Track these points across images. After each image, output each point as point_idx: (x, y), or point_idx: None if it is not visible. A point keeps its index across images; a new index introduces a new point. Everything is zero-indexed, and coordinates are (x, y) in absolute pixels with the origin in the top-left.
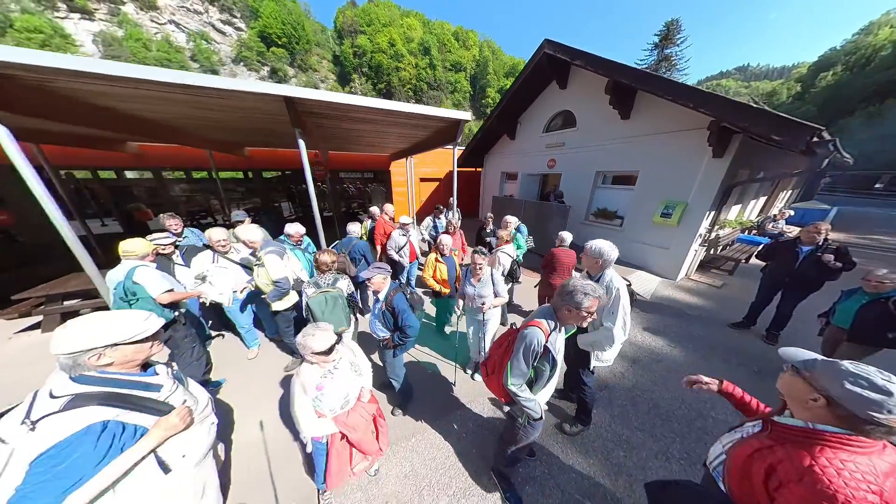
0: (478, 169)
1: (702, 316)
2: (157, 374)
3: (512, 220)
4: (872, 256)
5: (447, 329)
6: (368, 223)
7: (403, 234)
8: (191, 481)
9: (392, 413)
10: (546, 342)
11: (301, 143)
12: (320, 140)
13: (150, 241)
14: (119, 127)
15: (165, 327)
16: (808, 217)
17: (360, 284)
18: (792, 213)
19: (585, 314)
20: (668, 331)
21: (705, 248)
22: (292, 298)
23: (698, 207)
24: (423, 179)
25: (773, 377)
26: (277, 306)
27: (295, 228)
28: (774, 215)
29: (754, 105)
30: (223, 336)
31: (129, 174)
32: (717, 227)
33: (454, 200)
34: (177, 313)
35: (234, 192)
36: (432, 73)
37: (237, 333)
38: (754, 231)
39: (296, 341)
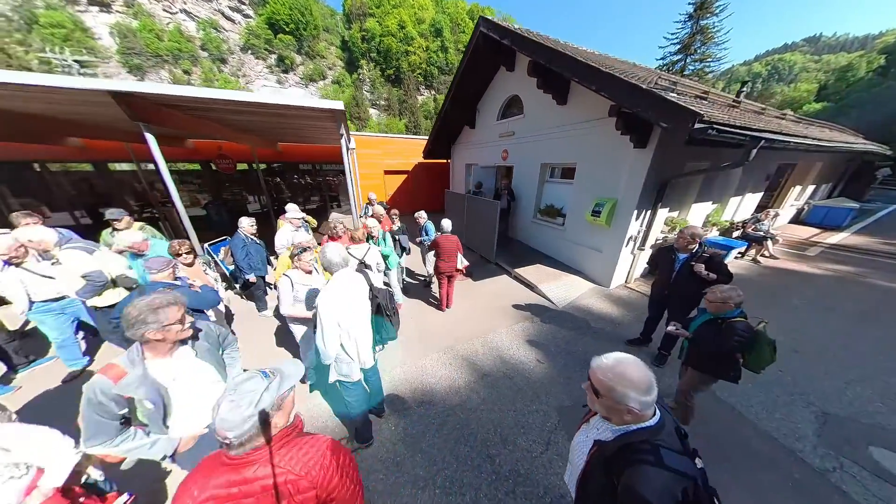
0: (446, 161)
1: (605, 330)
2: None
3: (421, 216)
4: None
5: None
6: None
7: (294, 231)
8: None
9: None
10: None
11: (149, 136)
12: (193, 132)
13: None
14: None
15: None
16: (831, 217)
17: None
18: (777, 212)
19: (164, 333)
20: (550, 345)
21: (650, 251)
22: (114, 296)
23: (628, 205)
24: (388, 172)
25: None
26: (95, 302)
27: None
28: (758, 215)
29: (644, 87)
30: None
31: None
32: (665, 227)
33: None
34: None
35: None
36: (444, 56)
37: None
38: (737, 232)
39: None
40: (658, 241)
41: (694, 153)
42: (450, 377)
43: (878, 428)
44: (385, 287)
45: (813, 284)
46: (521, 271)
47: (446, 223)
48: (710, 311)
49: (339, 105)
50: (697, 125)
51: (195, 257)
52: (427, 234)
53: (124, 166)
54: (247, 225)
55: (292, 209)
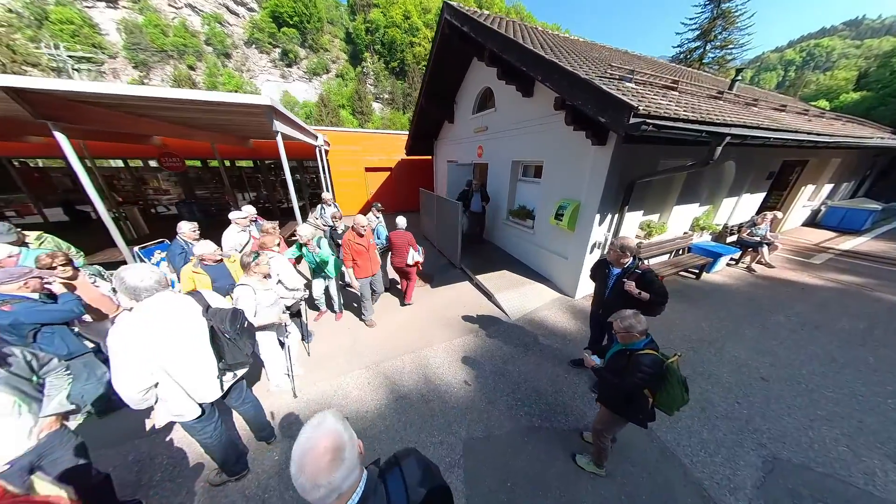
0: (430, 157)
1: (552, 347)
2: None
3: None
4: None
5: None
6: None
7: (241, 231)
8: None
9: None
10: None
11: (59, 135)
12: (132, 129)
13: None
14: None
15: None
16: (849, 220)
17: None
18: (777, 215)
19: None
20: (486, 364)
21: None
22: None
23: (591, 208)
24: (369, 169)
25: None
26: None
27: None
28: (755, 218)
29: (581, 75)
30: None
31: None
32: (640, 232)
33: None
34: None
35: None
36: None
37: None
38: (732, 237)
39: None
40: (637, 244)
41: (669, 151)
42: (363, 398)
43: (833, 479)
44: (228, 308)
45: (808, 297)
46: (482, 278)
47: (401, 220)
48: (619, 341)
49: (262, 100)
50: (632, 119)
51: (76, 270)
52: (378, 238)
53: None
54: (187, 230)
55: (245, 210)
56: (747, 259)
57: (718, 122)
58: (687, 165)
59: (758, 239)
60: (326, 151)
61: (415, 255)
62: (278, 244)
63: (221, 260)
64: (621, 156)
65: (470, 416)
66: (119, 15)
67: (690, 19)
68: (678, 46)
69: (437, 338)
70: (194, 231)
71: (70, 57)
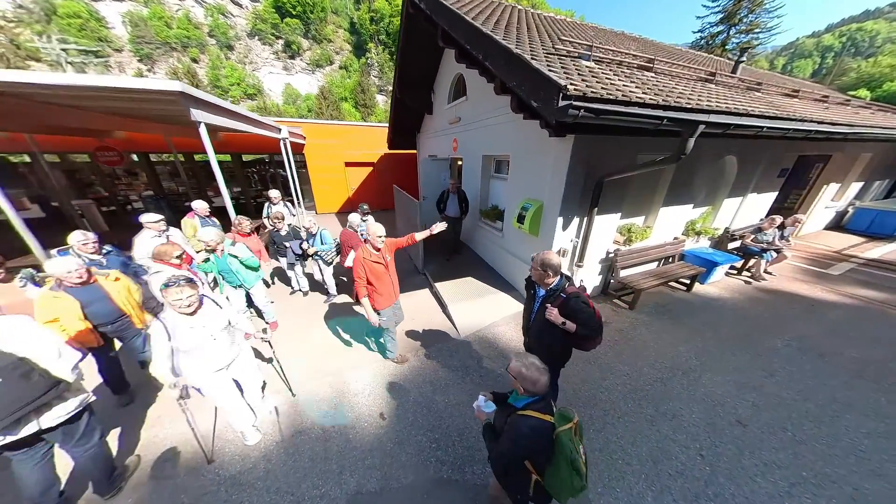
0: (415, 151)
1: (496, 372)
2: None
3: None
4: None
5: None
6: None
7: (156, 236)
8: None
9: None
10: None
11: None
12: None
13: None
14: None
15: None
16: (880, 223)
17: None
18: (779, 219)
19: None
20: (413, 391)
21: (604, 265)
22: None
23: (553, 209)
24: (350, 164)
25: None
26: None
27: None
28: (761, 223)
29: (513, 49)
30: None
31: None
32: (618, 237)
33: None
34: None
35: None
36: None
37: None
38: (735, 243)
39: None
40: (610, 255)
41: (648, 144)
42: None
43: None
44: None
45: (817, 317)
46: (443, 285)
47: (353, 217)
48: (515, 389)
49: (170, 85)
50: (561, 102)
51: (7, 273)
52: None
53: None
54: (76, 242)
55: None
56: (753, 268)
57: (690, 107)
58: (657, 161)
59: (763, 246)
60: (301, 145)
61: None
62: (179, 257)
63: (90, 280)
64: (584, 149)
65: (369, 461)
66: (125, 8)
67: (713, 1)
68: (699, 32)
69: (370, 357)
70: (85, 244)
71: (64, 50)
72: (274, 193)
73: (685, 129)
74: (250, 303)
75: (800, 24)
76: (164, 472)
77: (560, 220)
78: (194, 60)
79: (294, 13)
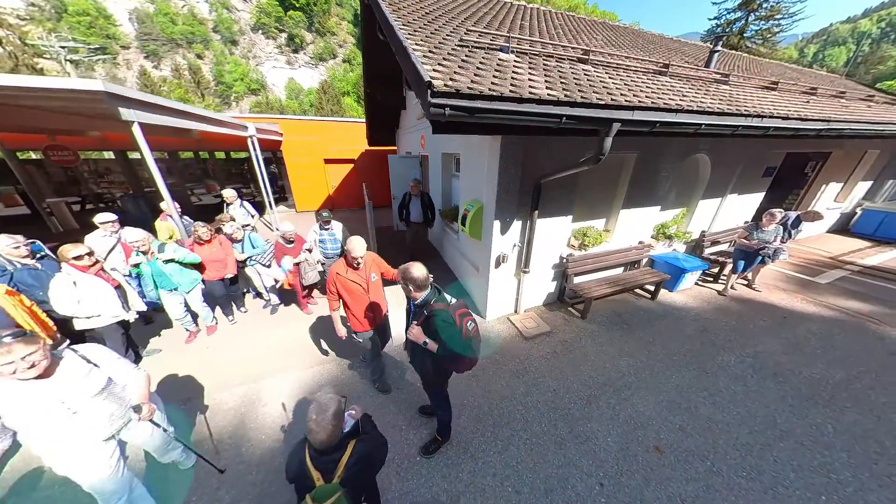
0: (395, 148)
1: (416, 385)
2: None
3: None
4: None
5: None
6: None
7: (105, 236)
8: None
9: None
10: None
11: None
12: None
13: None
14: None
15: None
16: (888, 226)
17: None
18: (780, 214)
19: None
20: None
21: (558, 271)
22: None
23: (490, 211)
24: (329, 161)
25: None
26: None
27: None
28: (757, 221)
29: (397, 32)
30: None
31: None
32: (573, 242)
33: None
34: None
35: None
36: None
37: None
38: (716, 248)
39: None
40: (564, 259)
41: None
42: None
43: None
44: None
45: (785, 331)
46: (389, 290)
47: (285, 225)
48: None
49: (93, 85)
50: (431, 99)
51: None
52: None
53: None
54: (4, 247)
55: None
56: (750, 275)
57: (603, 103)
58: (579, 162)
59: (761, 246)
60: (279, 142)
61: (284, 266)
62: (80, 257)
63: None
64: (515, 149)
65: (252, 477)
66: (132, 4)
67: None
68: (715, 19)
69: (296, 364)
70: (16, 247)
71: (63, 47)
72: (229, 193)
73: (601, 127)
74: (188, 307)
75: (832, 8)
76: None
77: (497, 224)
78: (199, 56)
79: (297, 5)
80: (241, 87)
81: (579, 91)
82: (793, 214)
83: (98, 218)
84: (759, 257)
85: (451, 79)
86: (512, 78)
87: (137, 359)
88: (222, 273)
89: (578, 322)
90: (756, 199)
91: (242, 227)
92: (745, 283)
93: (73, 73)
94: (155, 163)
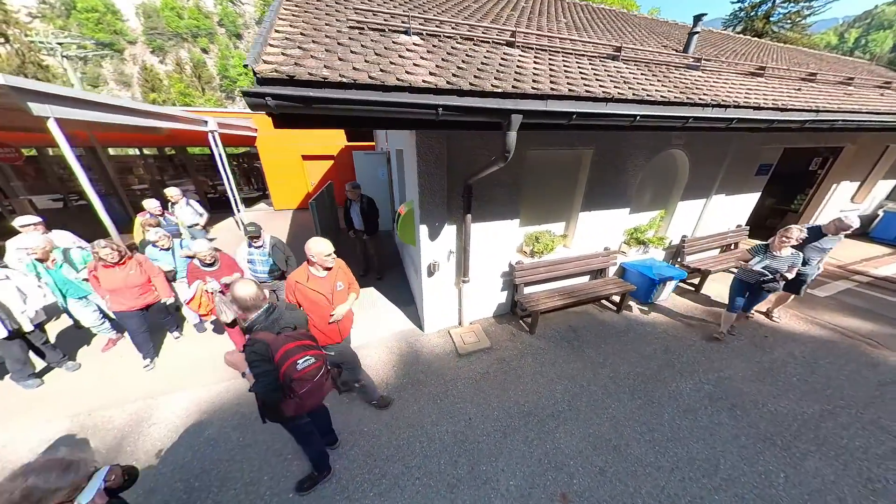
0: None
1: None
2: None
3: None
4: None
5: None
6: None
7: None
8: None
9: None
10: None
11: None
12: None
13: None
14: None
15: None
16: (887, 227)
17: None
18: (797, 231)
19: None
20: (215, 424)
21: (507, 280)
22: None
23: (417, 215)
24: (307, 157)
25: None
26: None
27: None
28: (768, 243)
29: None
30: None
31: None
32: (525, 248)
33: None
34: None
35: None
36: None
37: None
38: (698, 255)
39: None
40: (514, 264)
41: (537, 139)
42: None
43: None
44: None
45: (762, 353)
46: None
47: (198, 244)
48: None
49: None
50: (253, 88)
51: None
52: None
53: None
54: None
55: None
56: (771, 305)
57: (500, 92)
58: (491, 160)
59: (768, 277)
60: (253, 138)
61: (193, 286)
62: None
63: None
64: (433, 145)
65: None
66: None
67: None
68: (737, 2)
69: (206, 379)
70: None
71: (59, 44)
72: (172, 192)
73: (500, 119)
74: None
75: None
76: None
77: (424, 229)
78: (204, 50)
79: None
80: (246, 81)
81: (475, 77)
82: (796, 230)
83: (18, 221)
84: (766, 292)
85: (296, 63)
86: (391, 63)
87: (47, 370)
88: (148, 300)
89: (525, 337)
90: (750, 199)
91: (189, 227)
92: (767, 313)
93: (70, 69)
94: (106, 161)
